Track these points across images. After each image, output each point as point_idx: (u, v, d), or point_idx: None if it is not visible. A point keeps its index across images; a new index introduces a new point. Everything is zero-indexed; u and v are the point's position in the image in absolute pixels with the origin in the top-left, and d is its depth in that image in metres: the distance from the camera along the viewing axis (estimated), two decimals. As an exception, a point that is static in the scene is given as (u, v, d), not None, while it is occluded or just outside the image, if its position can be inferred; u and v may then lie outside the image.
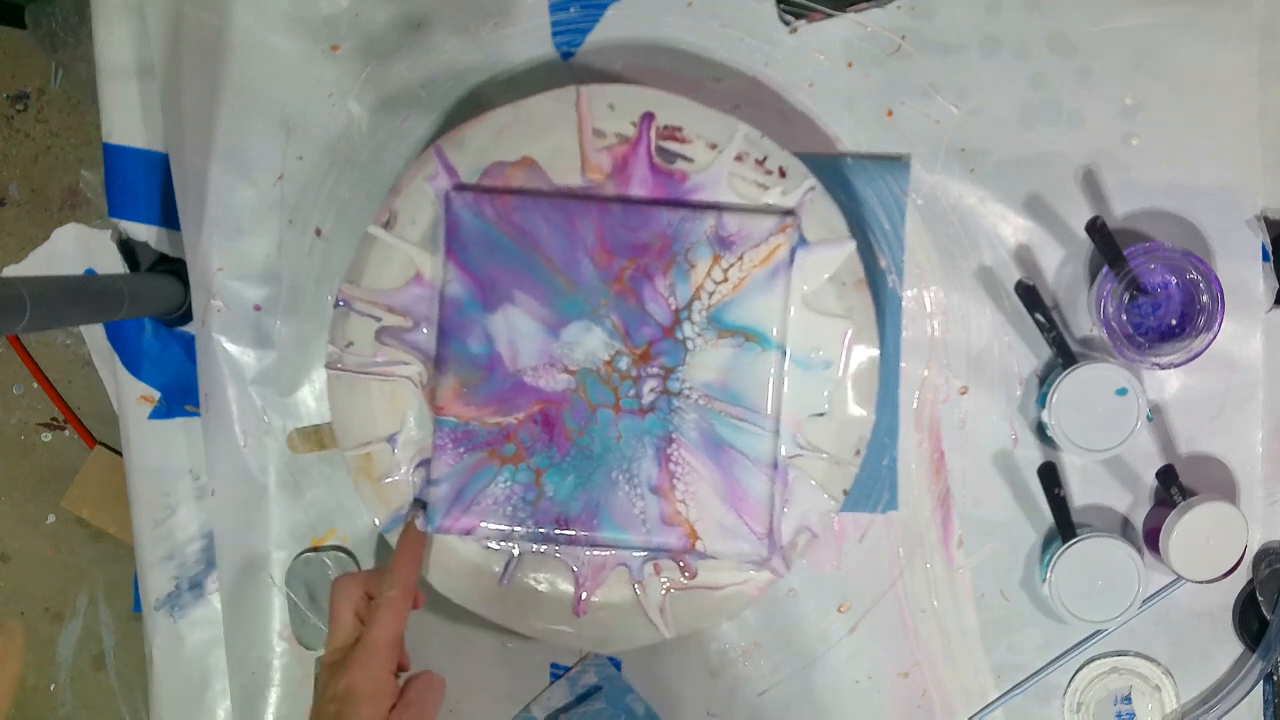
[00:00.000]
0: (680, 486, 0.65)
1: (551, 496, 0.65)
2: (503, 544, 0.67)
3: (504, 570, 0.67)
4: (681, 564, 0.67)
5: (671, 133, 0.64)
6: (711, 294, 0.64)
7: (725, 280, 0.64)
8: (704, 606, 0.67)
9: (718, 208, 0.64)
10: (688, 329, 0.65)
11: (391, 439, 0.67)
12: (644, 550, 0.66)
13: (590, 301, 0.65)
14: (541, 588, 0.68)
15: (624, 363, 0.65)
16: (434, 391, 0.65)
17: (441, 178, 0.64)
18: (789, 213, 0.64)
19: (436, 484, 0.65)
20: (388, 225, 0.65)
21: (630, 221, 0.64)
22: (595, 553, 0.67)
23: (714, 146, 0.64)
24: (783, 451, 0.65)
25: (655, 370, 0.65)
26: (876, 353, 0.65)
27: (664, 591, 0.67)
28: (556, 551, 0.67)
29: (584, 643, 0.67)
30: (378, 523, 0.67)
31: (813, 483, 0.65)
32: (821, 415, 0.65)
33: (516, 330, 0.65)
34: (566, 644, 0.68)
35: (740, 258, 0.64)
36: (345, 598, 0.60)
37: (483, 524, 0.66)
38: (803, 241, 0.64)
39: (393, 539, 0.66)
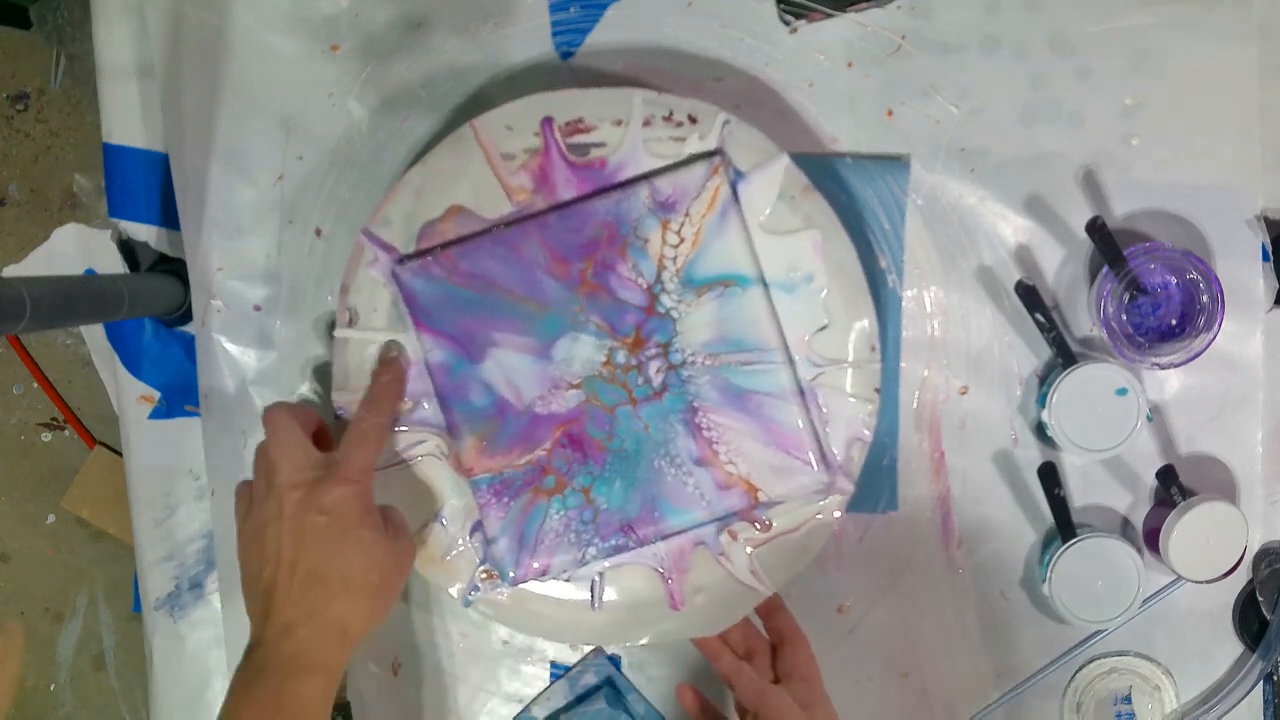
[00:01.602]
0: (722, 449, 0.65)
1: (607, 508, 0.65)
2: (581, 571, 0.67)
3: (592, 595, 0.67)
4: (754, 520, 0.66)
5: (575, 127, 0.64)
6: (675, 259, 0.64)
7: (682, 241, 0.64)
8: (791, 551, 0.66)
9: (646, 177, 0.64)
10: (666, 300, 0.65)
11: (439, 516, 0.67)
12: (713, 522, 0.66)
13: (566, 314, 0.65)
14: (635, 596, 0.67)
15: (621, 356, 0.65)
16: (458, 457, 0.65)
17: (381, 259, 0.65)
18: (715, 153, 0.64)
19: (495, 541, 0.66)
20: (351, 323, 0.65)
21: (570, 225, 0.64)
22: (669, 543, 0.66)
23: (619, 123, 0.64)
24: (804, 376, 0.65)
25: (653, 351, 0.65)
26: (853, 251, 0.64)
27: (749, 552, 0.66)
28: (633, 558, 0.67)
29: (694, 631, 0.66)
30: (455, 594, 0.67)
31: (846, 394, 0.65)
32: (825, 328, 0.65)
33: (510, 369, 0.65)
34: (677, 638, 0.67)
35: (687, 214, 0.64)
36: (292, 424, 0.60)
37: (554, 560, 0.66)
38: (738, 174, 0.64)
39: (471, 610, 0.67)
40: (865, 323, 0.65)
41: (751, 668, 0.63)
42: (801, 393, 0.65)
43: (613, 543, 0.66)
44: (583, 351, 0.65)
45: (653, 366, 0.65)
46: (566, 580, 0.67)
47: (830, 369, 0.65)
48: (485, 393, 0.65)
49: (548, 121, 0.64)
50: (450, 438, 0.66)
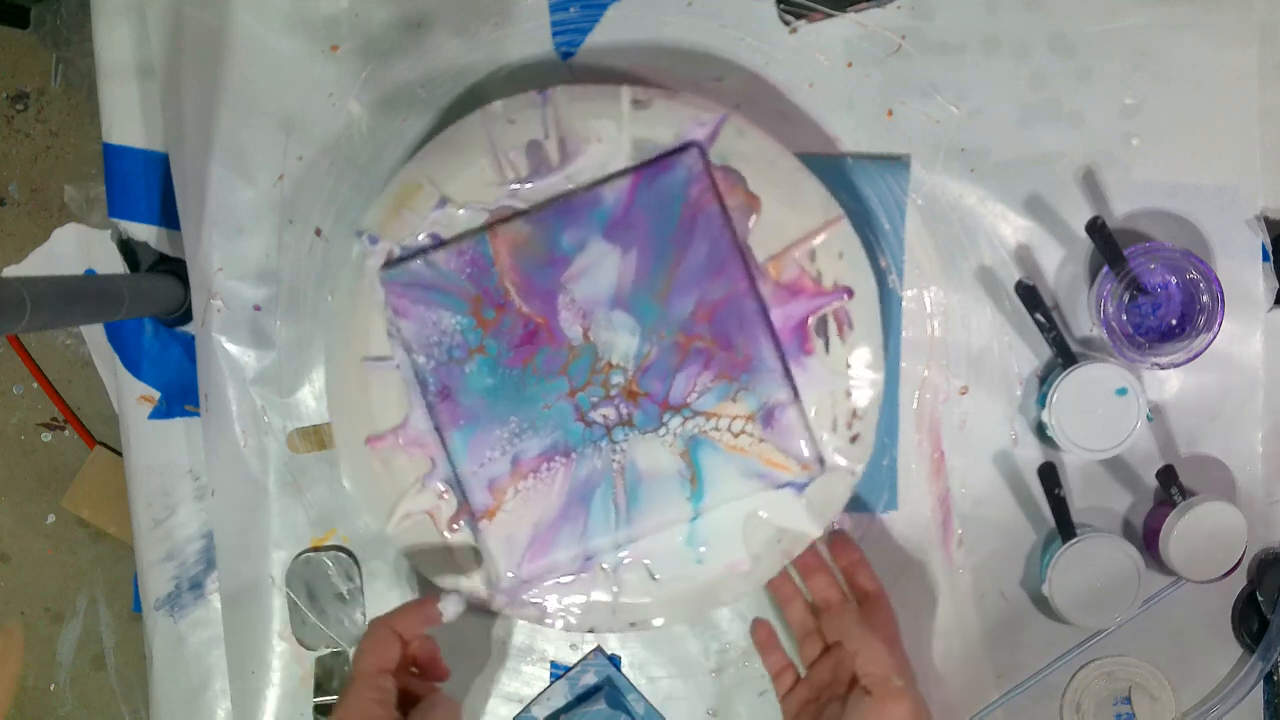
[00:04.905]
0: (521, 485, 0.65)
1: (465, 371, 0.65)
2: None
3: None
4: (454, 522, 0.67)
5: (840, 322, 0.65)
6: (717, 428, 0.65)
7: (735, 435, 0.65)
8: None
9: (800, 405, 0.64)
10: (674, 422, 0.65)
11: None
12: (442, 479, 0.66)
13: (660, 323, 0.64)
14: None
15: (617, 378, 0.65)
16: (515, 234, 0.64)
17: None
18: (815, 462, 0.65)
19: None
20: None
21: (748, 317, 0.64)
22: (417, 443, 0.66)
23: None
24: (621, 554, 0.66)
25: (625, 412, 0.65)
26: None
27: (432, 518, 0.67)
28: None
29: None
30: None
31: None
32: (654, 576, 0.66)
33: (601, 268, 0.64)
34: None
35: (759, 440, 0.64)
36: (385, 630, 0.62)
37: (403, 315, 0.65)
38: (798, 487, 0.65)
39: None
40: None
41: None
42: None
43: (430, 401, 0.65)
44: (621, 341, 0.65)
45: (606, 410, 0.65)
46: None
47: (634, 565, 0.66)
48: (578, 245, 0.65)
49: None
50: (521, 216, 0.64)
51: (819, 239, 0.64)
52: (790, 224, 0.64)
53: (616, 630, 0.67)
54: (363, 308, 0.65)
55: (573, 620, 0.67)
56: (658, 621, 0.67)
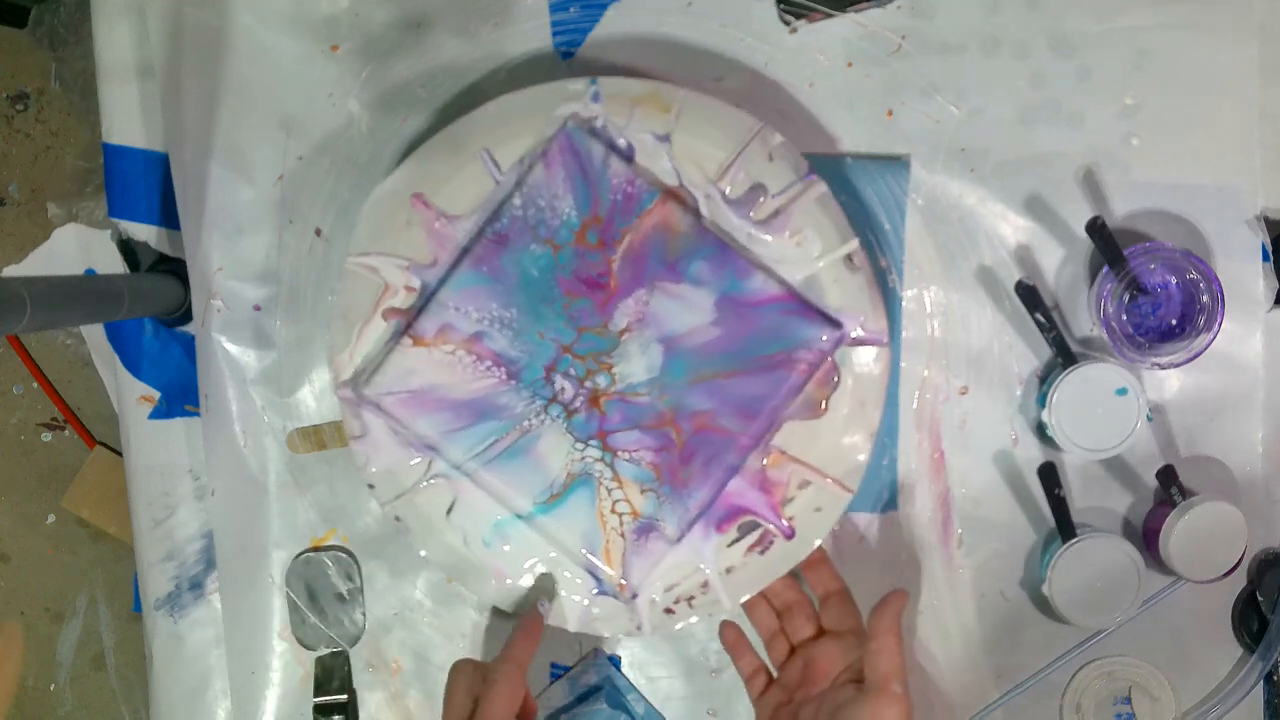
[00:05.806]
0: (460, 354, 0.65)
1: (529, 246, 0.65)
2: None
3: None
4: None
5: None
6: (609, 491, 0.66)
7: (611, 510, 0.66)
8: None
9: (672, 552, 0.66)
10: (593, 452, 0.66)
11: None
12: (422, 282, 0.66)
13: (671, 389, 0.65)
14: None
15: (601, 380, 0.65)
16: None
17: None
18: (630, 592, 0.66)
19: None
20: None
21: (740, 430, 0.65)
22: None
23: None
24: (451, 475, 0.67)
25: (576, 404, 0.65)
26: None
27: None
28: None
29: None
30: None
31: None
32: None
33: (688, 312, 0.64)
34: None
35: (620, 534, 0.66)
36: (460, 678, 0.61)
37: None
38: (600, 589, 0.67)
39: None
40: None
41: (792, 621, 0.66)
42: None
43: (455, 256, 0.65)
44: (633, 364, 0.65)
45: (566, 385, 0.65)
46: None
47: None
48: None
49: None
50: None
51: (822, 481, 0.65)
52: (820, 450, 0.65)
53: (380, 505, 0.67)
54: (525, 128, 0.64)
55: (371, 470, 0.66)
56: (420, 550, 0.67)
